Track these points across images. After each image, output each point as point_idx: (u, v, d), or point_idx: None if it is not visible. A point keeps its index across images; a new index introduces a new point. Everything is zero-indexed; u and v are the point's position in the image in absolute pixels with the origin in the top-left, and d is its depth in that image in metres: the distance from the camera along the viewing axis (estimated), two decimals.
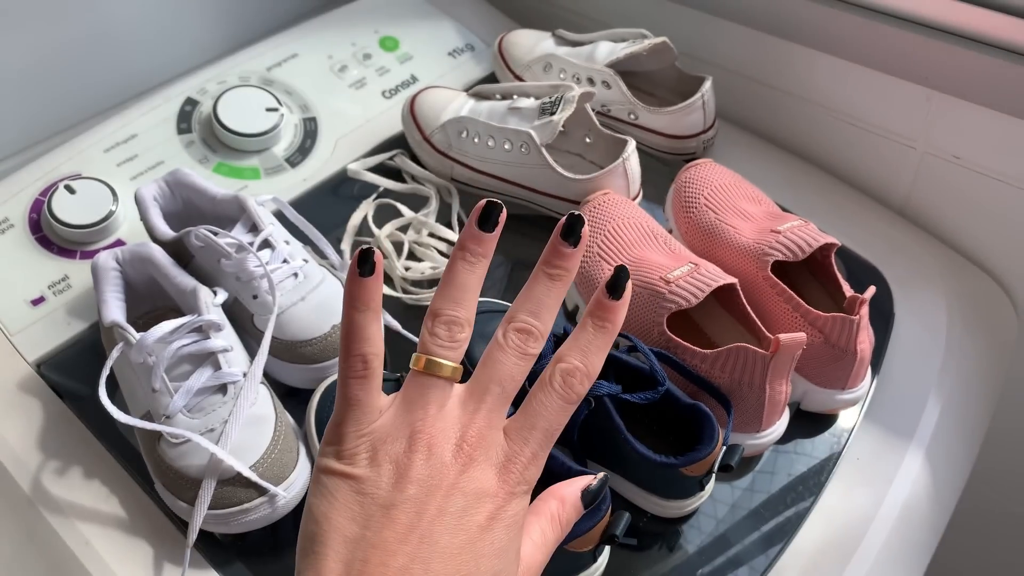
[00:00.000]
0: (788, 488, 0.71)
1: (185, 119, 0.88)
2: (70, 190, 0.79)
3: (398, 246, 0.81)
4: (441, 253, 0.82)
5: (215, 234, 0.68)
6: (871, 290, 0.69)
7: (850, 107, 0.92)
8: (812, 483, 0.71)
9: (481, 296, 0.77)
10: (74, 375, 0.72)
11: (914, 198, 0.91)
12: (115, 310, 0.65)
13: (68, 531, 0.63)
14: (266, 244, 0.70)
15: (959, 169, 0.87)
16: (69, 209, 0.78)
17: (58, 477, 0.66)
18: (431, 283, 0.80)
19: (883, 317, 0.81)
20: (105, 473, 0.66)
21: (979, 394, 0.82)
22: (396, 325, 0.74)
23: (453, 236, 0.82)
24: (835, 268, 0.73)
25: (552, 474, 0.60)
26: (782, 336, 0.62)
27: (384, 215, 0.84)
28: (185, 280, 0.67)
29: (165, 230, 0.71)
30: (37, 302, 0.75)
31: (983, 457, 0.83)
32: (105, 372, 0.62)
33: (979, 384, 0.82)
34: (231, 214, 0.72)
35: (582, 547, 0.58)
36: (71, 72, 0.92)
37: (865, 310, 0.68)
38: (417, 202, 0.86)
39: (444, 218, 0.85)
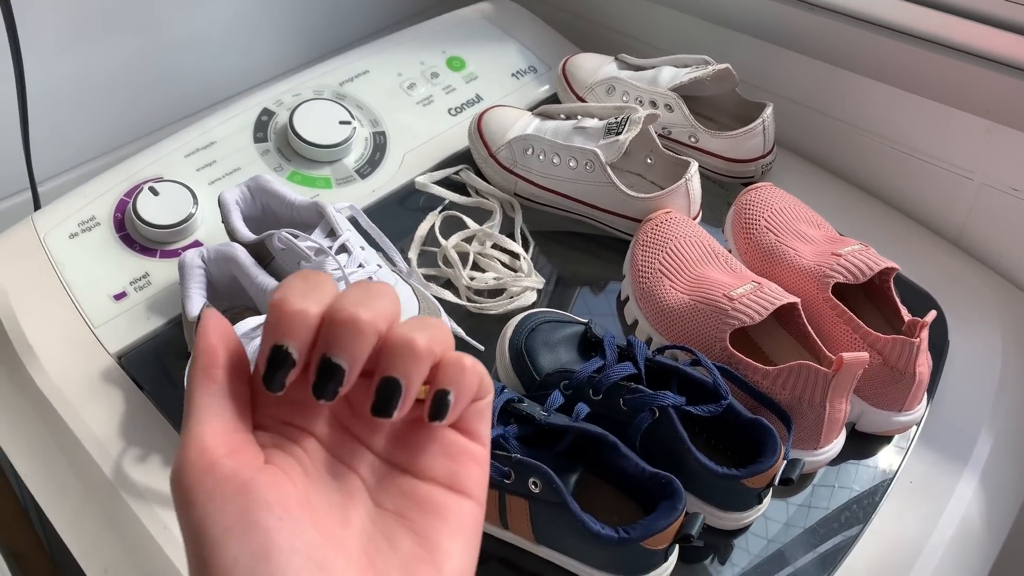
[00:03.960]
0: (841, 508, 0.72)
1: (261, 128, 0.92)
2: (154, 192, 0.82)
3: (463, 256, 0.84)
4: (504, 264, 0.84)
5: (296, 237, 0.71)
6: (932, 314, 0.70)
7: (908, 137, 0.93)
8: (865, 504, 0.72)
9: (544, 307, 0.80)
10: (153, 367, 0.75)
11: (970, 229, 0.93)
12: (200, 304, 0.68)
13: (147, 515, 0.65)
14: (343, 249, 0.72)
15: (1017, 201, 0.88)
16: (152, 210, 0.81)
17: (138, 463, 0.68)
18: (493, 293, 0.82)
19: (937, 345, 0.82)
20: None
21: None
22: (461, 332, 0.76)
23: (517, 248, 0.84)
24: (893, 293, 0.74)
25: (628, 476, 0.62)
26: (845, 355, 0.64)
27: (450, 227, 0.87)
28: (266, 280, 0.69)
29: (246, 233, 0.74)
30: (119, 297, 0.78)
31: None
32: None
33: None
34: (308, 220, 0.75)
35: (657, 545, 0.59)
36: (155, 80, 0.97)
37: (925, 333, 0.69)
38: (481, 215, 0.88)
39: (507, 231, 0.87)
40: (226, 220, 0.75)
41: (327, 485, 0.32)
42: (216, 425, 0.31)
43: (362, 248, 0.74)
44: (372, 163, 0.92)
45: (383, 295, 0.31)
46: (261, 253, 0.73)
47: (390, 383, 0.30)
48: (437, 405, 0.31)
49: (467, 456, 0.33)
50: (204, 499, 0.29)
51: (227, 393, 0.32)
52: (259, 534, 0.28)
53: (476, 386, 0.32)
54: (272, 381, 0.30)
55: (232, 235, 0.75)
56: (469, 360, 0.32)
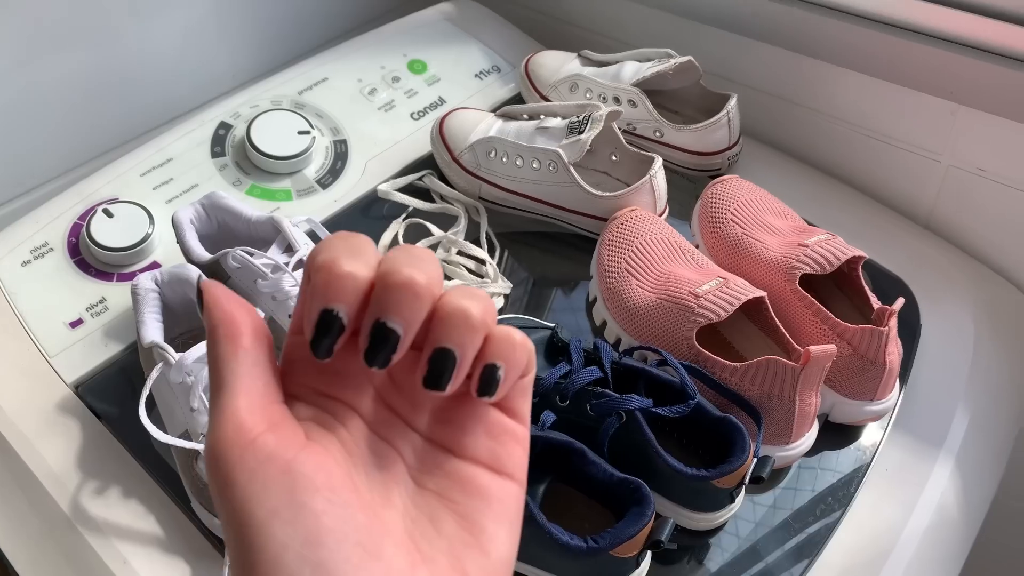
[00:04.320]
0: (816, 500, 0.71)
1: (219, 143, 0.90)
2: (108, 214, 0.81)
3: None
4: (470, 271, 0.83)
5: (251, 255, 0.70)
6: (900, 302, 0.69)
7: (874, 122, 0.92)
8: (841, 495, 0.71)
9: (513, 313, 0.78)
10: (111, 396, 0.73)
11: (939, 211, 0.92)
12: (154, 331, 0.67)
13: (106, 550, 0.64)
14: (301, 264, 0.71)
15: (984, 182, 0.87)
16: (107, 232, 0.80)
17: (96, 497, 0.67)
18: None
19: (909, 329, 0.81)
20: (142, 492, 0.68)
21: (1008, 403, 0.82)
22: None
23: (482, 254, 0.83)
24: (863, 281, 0.74)
25: (597, 483, 0.61)
26: (812, 348, 0.63)
27: (414, 234, 0.85)
28: None
29: (201, 252, 0.73)
30: (75, 324, 0.77)
31: (1012, 467, 0.83)
32: (145, 392, 0.63)
33: (1007, 394, 0.82)
34: (266, 235, 0.74)
35: (626, 552, 0.58)
36: (108, 98, 0.95)
37: (894, 321, 0.69)
38: (446, 221, 0.87)
39: (472, 236, 0.86)
40: (181, 240, 0.74)
41: (368, 463, 0.30)
42: (251, 397, 0.29)
43: None
44: (333, 172, 0.91)
45: (431, 259, 0.29)
46: (217, 272, 0.72)
47: (444, 354, 0.28)
48: (487, 379, 0.29)
49: (509, 436, 0.31)
50: (246, 479, 0.27)
51: (256, 361, 0.30)
52: (308, 518, 0.27)
53: (525, 362, 0.30)
54: (320, 347, 0.28)
55: (188, 255, 0.74)
56: (519, 335, 0.30)
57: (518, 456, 0.32)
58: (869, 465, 0.73)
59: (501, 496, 0.31)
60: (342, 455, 0.29)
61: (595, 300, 0.79)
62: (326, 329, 0.28)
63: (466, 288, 0.29)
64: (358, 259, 0.28)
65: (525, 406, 0.32)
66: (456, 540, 0.29)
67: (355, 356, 0.29)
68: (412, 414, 0.31)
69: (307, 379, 0.31)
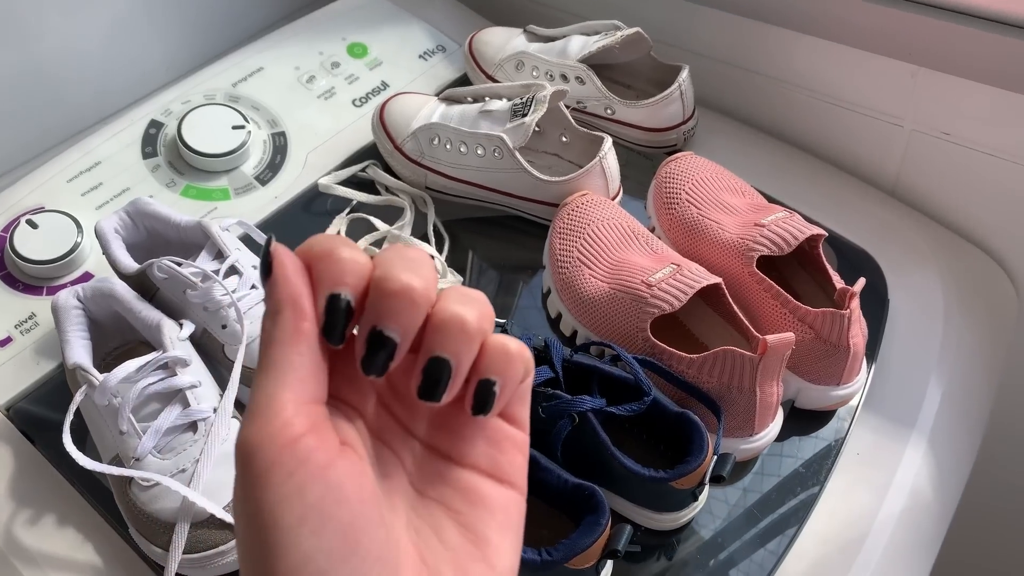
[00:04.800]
0: (787, 490, 0.68)
1: (150, 142, 0.86)
2: (32, 225, 0.77)
3: None
4: None
5: (179, 264, 0.66)
6: (861, 282, 0.66)
7: (833, 88, 0.89)
8: (811, 483, 0.69)
9: None
10: (45, 417, 0.69)
11: (904, 178, 0.89)
12: (78, 351, 0.63)
13: None
14: (233, 271, 0.67)
15: (949, 145, 0.84)
16: (32, 245, 0.76)
17: (30, 526, 0.64)
18: None
19: (878, 303, 0.79)
20: (79, 519, 0.64)
21: (981, 376, 0.80)
22: None
23: (430, 249, 0.79)
24: (823, 259, 0.70)
25: (551, 489, 0.58)
26: (769, 337, 0.60)
27: (358, 229, 0.81)
28: (150, 314, 0.64)
29: (128, 263, 0.69)
30: (4, 343, 0.73)
31: (988, 440, 0.81)
32: (69, 417, 0.60)
33: (980, 365, 0.80)
34: (197, 240, 0.70)
35: (583, 564, 0.56)
36: (28, 101, 0.90)
37: (856, 303, 0.66)
38: (392, 214, 0.83)
39: (420, 229, 0.82)
40: (106, 251, 0.70)
41: (376, 470, 0.29)
42: (301, 392, 0.27)
43: (255, 268, 0.69)
44: (272, 167, 0.87)
45: (426, 262, 0.28)
46: (145, 284, 0.68)
47: (439, 363, 0.27)
48: (482, 397, 0.28)
49: (509, 443, 0.30)
50: (281, 480, 0.26)
51: (313, 351, 0.27)
52: (336, 530, 0.25)
53: (522, 373, 0.29)
54: (333, 333, 0.27)
55: (114, 267, 0.70)
56: (514, 344, 0.28)
57: (519, 463, 0.31)
58: (840, 450, 0.70)
59: (504, 505, 0.30)
60: (366, 463, 0.28)
61: (549, 292, 0.76)
62: (335, 313, 0.27)
63: (461, 291, 0.28)
64: (353, 247, 0.28)
65: (524, 412, 0.31)
66: (462, 552, 0.28)
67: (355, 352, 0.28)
68: (411, 420, 0.30)
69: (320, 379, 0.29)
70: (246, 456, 0.26)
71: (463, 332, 0.27)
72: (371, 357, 0.27)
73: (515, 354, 0.28)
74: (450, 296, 0.28)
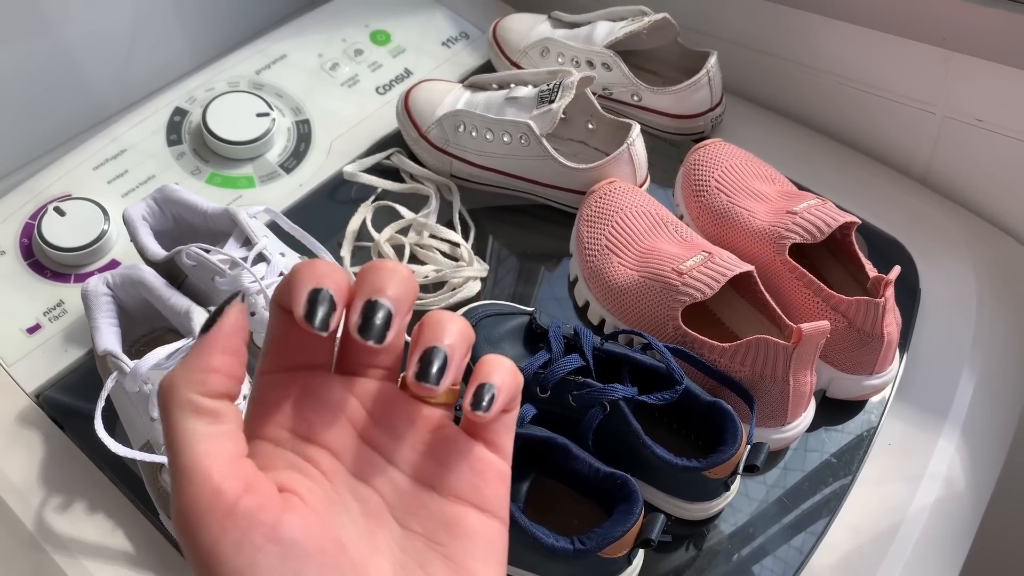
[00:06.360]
0: (818, 480, 0.68)
1: (175, 130, 0.86)
2: (60, 212, 0.77)
3: (399, 250, 0.78)
4: (444, 254, 0.79)
5: (207, 251, 0.66)
6: (896, 270, 0.66)
7: (863, 74, 0.88)
8: (843, 473, 0.68)
9: (487, 299, 0.74)
10: (75, 404, 0.70)
11: (936, 165, 0.87)
12: (108, 337, 0.63)
13: (74, 569, 0.61)
14: (261, 258, 0.67)
15: (982, 132, 0.83)
16: (60, 232, 0.76)
17: (62, 512, 0.64)
18: (435, 287, 0.77)
19: (909, 293, 0.78)
20: (110, 505, 0.64)
21: (1014, 365, 0.79)
22: None
23: (455, 237, 0.79)
24: (856, 247, 0.70)
25: (583, 478, 0.58)
26: (804, 326, 0.59)
27: (383, 217, 0.81)
28: (179, 301, 0.64)
29: (156, 250, 0.69)
30: (33, 330, 0.73)
31: (1021, 430, 0.80)
32: (100, 404, 0.59)
33: (1014, 355, 0.79)
34: (224, 228, 0.70)
35: (616, 552, 0.55)
36: (55, 89, 0.90)
37: (890, 291, 0.65)
38: (417, 202, 0.83)
39: (445, 217, 0.82)
40: (134, 238, 0.70)
41: (350, 509, 0.29)
42: (223, 453, 0.26)
43: (282, 255, 0.68)
44: (297, 155, 0.86)
45: (408, 278, 0.29)
46: (173, 271, 0.68)
47: (432, 350, 0.28)
48: (479, 395, 0.29)
49: (493, 472, 0.31)
50: (231, 552, 0.25)
51: (229, 407, 0.27)
52: None
53: (515, 389, 0.30)
54: (314, 316, 0.27)
55: (143, 254, 0.70)
56: (509, 363, 0.30)
57: (501, 493, 0.31)
58: (871, 440, 0.69)
59: (487, 535, 0.30)
60: (323, 505, 0.28)
61: (576, 280, 0.75)
62: (317, 301, 0.27)
63: (442, 312, 0.30)
64: (336, 267, 0.29)
65: (509, 441, 0.31)
66: None
67: (331, 385, 0.29)
68: (393, 450, 0.30)
69: (282, 419, 0.29)
70: (186, 534, 0.26)
71: (455, 327, 0.29)
72: (368, 323, 0.28)
73: (510, 369, 0.30)
74: (433, 312, 0.30)
